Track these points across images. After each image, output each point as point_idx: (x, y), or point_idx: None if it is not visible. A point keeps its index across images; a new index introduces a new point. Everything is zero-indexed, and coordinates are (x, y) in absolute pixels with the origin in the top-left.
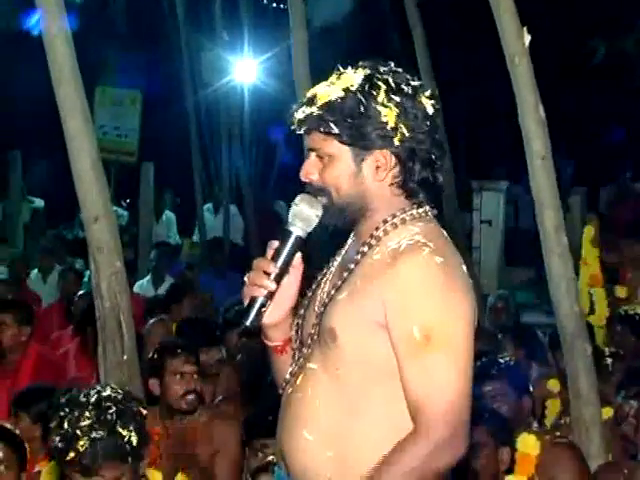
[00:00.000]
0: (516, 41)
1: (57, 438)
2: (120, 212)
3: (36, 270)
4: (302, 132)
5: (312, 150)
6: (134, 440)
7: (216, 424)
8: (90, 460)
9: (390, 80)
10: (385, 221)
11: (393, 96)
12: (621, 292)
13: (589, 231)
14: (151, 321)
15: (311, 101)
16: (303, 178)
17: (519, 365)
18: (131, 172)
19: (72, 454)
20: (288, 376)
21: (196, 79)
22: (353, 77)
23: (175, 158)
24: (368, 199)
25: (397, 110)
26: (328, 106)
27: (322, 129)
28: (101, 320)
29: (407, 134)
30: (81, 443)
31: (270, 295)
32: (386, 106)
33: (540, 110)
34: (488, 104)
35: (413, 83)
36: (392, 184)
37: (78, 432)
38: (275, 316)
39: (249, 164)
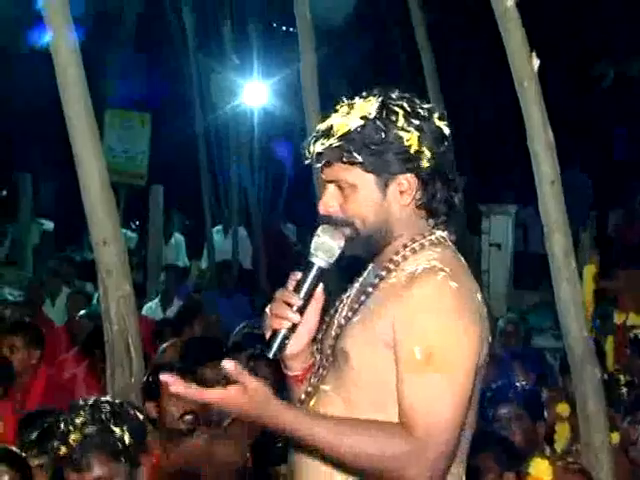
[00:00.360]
0: (525, 65)
1: (54, 440)
2: (129, 234)
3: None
4: (320, 165)
5: (330, 182)
6: (127, 439)
7: (217, 444)
8: (80, 453)
9: (405, 105)
10: (405, 246)
11: (412, 120)
12: (620, 318)
13: (590, 270)
14: (163, 345)
15: (328, 132)
16: (323, 211)
17: (535, 390)
18: (140, 194)
19: (64, 449)
20: (303, 396)
21: (205, 101)
22: (368, 105)
23: (184, 180)
24: (393, 225)
25: (418, 133)
26: (348, 136)
27: (344, 159)
28: (110, 343)
29: (429, 156)
30: (73, 437)
31: (293, 327)
32: (407, 130)
33: (549, 133)
34: (498, 127)
35: (426, 106)
36: (416, 207)
37: (71, 428)
38: (296, 347)
39: (258, 187)
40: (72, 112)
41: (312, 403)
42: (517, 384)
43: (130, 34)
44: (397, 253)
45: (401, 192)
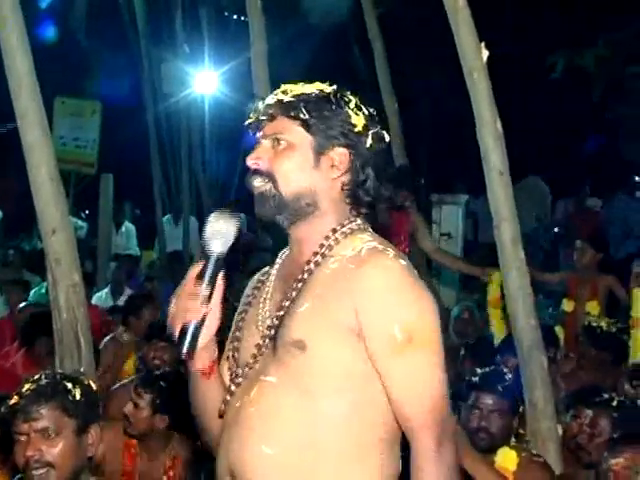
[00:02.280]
0: (474, 56)
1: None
2: (79, 224)
3: None
4: (264, 119)
5: (266, 137)
6: (77, 394)
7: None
8: (31, 401)
9: (354, 98)
10: (334, 230)
11: (362, 110)
12: (568, 306)
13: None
14: (105, 339)
15: (283, 92)
16: (250, 162)
17: (517, 384)
18: (90, 183)
19: (16, 398)
20: (233, 387)
21: (157, 90)
22: (324, 86)
23: (135, 169)
24: (319, 196)
25: (364, 120)
26: (301, 96)
27: (292, 113)
28: (58, 333)
29: (370, 143)
30: (25, 387)
31: (202, 319)
32: (356, 114)
33: (498, 125)
34: (450, 118)
35: (372, 111)
36: (342, 189)
37: (25, 384)
38: (204, 339)
39: (209, 175)
40: (21, 102)
41: (252, 395)
42: (505, 375)
43: (81, 22)
44: (327, 237)
45: (332, 165)
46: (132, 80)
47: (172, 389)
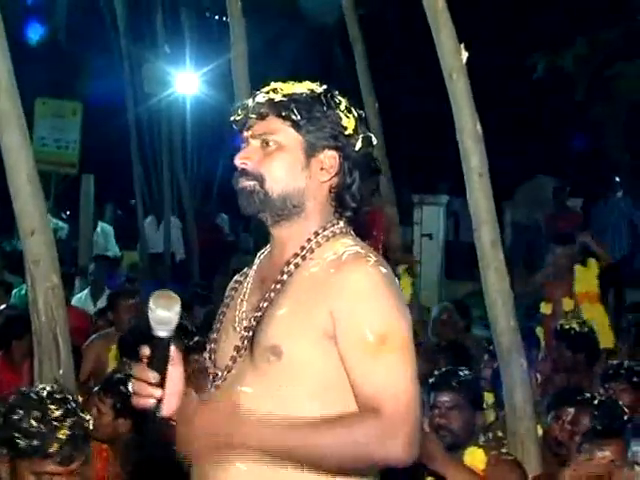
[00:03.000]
0: (453, 57)
1: (24, 439)
2: (60, 225)
3: None
4: (253, 117)
5: (256, 137)
6: (90, 423)
7: None
8: (72, 447)
9: (344, 100)
10: (317, 233)
11: (352, 111)
12: (546, 309)
13: None
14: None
15: (272, 90)
16: (238, 162)
17: (477, 380)
18: (71, 184)
19: (55, 445)
20: (213, 390)
21: (137, 91)
22: (314, 85)
23: (116, 170)
24: (305, 198)
25: (355, 122)
26: (293, 96)
27: (283, 113)
28: (37, 334)
29: (359, 146)
30: (62, 432)
31: (159, 399)
32: (347, 115)
33: (477, 126)
34: (431, 119)
35: (360, 112)
36: (330, 192)
37: (55, 423)
38: (173, 405)
39: (190, 177)
40: None
41: None
42: (461, 372)
43: (61, 22)
44: (309, 240)
45: (322, 168)
46: (113, 81)
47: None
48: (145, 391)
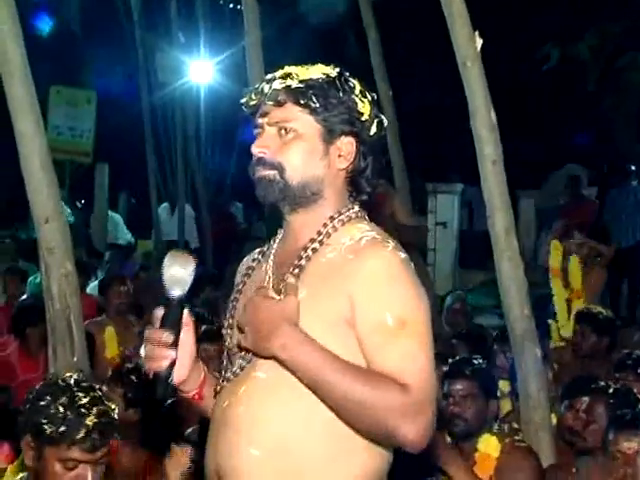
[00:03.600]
0: (468, 45)
1: (51, 425)
2: (68, 212)
3: None
4: (270, 103)
5: (272, 125)
6: (115, 413)
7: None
8: (99, 434)
9: (357, 84)
10: (332, 218)
11: (366, 95)
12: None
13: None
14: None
15: (288, 75)
16: (256, 151)
17: (490, 368)
18: (86, 172)
19: (82, 431)
20: (225, 382)
21: (152, 80)
22: (328, 68)
23: (130, 159)
24: (324, 185)
25: (370, 107)
26: (309, 82)
27: (301, 101)
28: (51, 322)
29: (374, 130)
30: (89, 419)
31: (172, 362)
32: (362, 100)
33: (491, 114)
34: (445, 107)
35: (373, 94)
36: (346, 177)
37: (82, 410)
38: (182, 374)
39: (204, 165)
40: (13, 92)
41: (240, 393)
42: (474, 361)
43: (75, 11)
44: (325, 225)
45: (340, 155)
46: (127, 69)
47: (142, 382)
48: (160, 352)
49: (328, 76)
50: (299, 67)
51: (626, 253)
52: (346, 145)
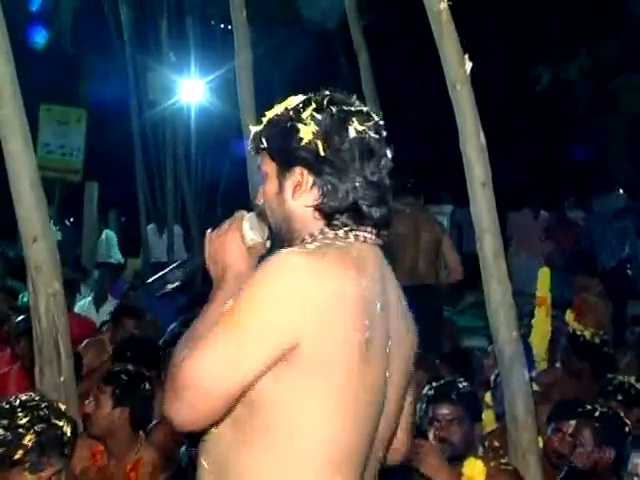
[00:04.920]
0: (457, 68)
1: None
2: (63, 231)
3: None
4: (253, 154)
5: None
6: (68, 431)
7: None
8: (39, 452)
9: (323, 100)
10: (303, 240)
11: (317, 114)
12: (570, 317)
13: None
14: (85, 341)
15: (261, 120)
16: (257, 201)
17: (475, 392)
18: (75, 190)
19: (20, 452)
20: None
21: (142, 98)
22: (297, 98)
23: (120, 177)
24: (291, 221)
25: (316, 127)
26: (267, 123)
27: (259, 145)
28: (38, 341)
29: (322, 153)
30: (27, 438)
31: None
32: (305, 123)
33: (481, 137)
34: (435, 128)
35: (348, 107)
36: (312, 206)
37: (20, 430)
38: None
39: (194, 184)
40: (2, 112)
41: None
42: (460, 385)
43: (66, 29)
44: None
45: (295, 187)
46: (118, 88)
47: (132, 382)
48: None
49: (285, 109)
50: (276, 105)
51: (609, 275)
52: (297, 176)
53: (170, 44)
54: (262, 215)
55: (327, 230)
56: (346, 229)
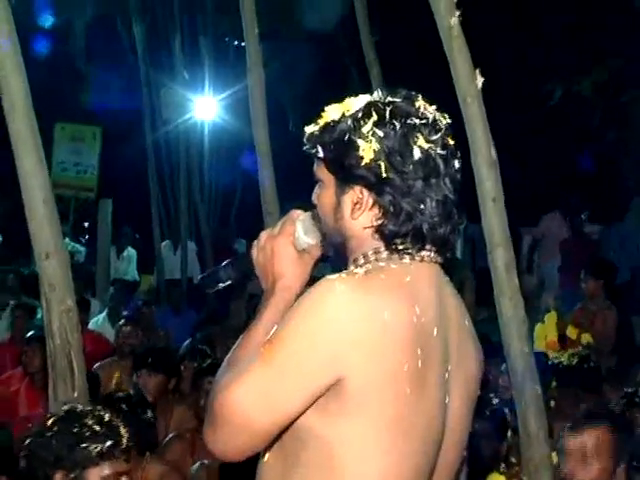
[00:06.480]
0: (468, 83)
1: (92, 446)
2: (77, 248)
3: None
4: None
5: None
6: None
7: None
8: (131, 443)
9: (387, 111)
10: (355, 260)
11: (379, 129)
12: (572, 333)
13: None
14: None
15: (317, 118)
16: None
17: (503, 410)
18: (89, 208)
19: (123, 442)
20: None
21: (155, 116)
22: (357, 101)
23: (134, 194)
24: (347, 239)
25: (378, 145)
26: (324, 127)
27: (315, 151)
28: (52, 358)
29: (384, 175)
30: (122, 430)
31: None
32: (366, 139)
33: (492, 152)
34: None
35: (412, 120)
36: (371, 227)
37: (112, 424)
38: None
39: (207, 201)
40: (16, 129)
41: None
42: (493, 401)
43: (80, 47)
44: None
45: (354, 205)
46: (131, 105)
47: (131, 411)
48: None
49: (343, 115)
50: (333, 105)
51: (621, 288)
52: (356, 194)
53: (184, 62)
54: (318, 217)
55: (382, 250)
56: (403, 251)
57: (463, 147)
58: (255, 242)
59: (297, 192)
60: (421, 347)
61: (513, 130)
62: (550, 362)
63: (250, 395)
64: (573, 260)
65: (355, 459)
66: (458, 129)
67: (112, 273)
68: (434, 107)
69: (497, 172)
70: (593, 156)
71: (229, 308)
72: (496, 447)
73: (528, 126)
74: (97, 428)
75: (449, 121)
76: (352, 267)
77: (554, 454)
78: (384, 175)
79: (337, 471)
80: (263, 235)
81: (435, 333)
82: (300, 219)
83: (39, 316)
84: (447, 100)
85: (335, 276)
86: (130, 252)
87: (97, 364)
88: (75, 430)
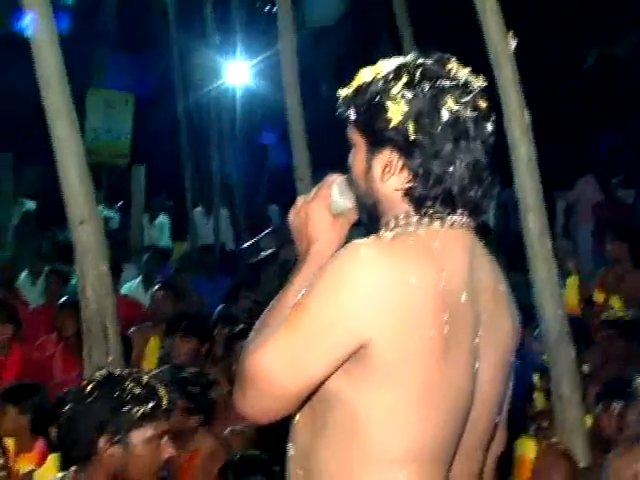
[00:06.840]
0: (501, 44)
1: (139, 406)
2: (110, 214)
3: (25, 272)
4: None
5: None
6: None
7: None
8: (171, 402)
9: (417, 73)
10: (387, 223)
11: (408, 91)
12: (599, 297)
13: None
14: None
15: (351, 81)
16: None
17: (528, 371)
18: (123, 175)
19: (164, 401)
20: None
21: (187, 81)
22: (389, 63)
23: (166, 161)
24: (378, 202)
25: (405, 108)
26: (356, 90)
27: (348, 114)
28: (86, 322)
29: (412, 137)
30: (161, 391)
31: None
32: (395, 101)
33: (525, 115)
34: None
35: (442, 82)
36: (400, 190)
37: (151, 384)
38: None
39: (240, 167)
40: (49, 95)
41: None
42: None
43: (112, 15)
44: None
45: (383, 169)
46: (163, 71)
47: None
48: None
49: (375, 77)
50: (363, 70)
51: None
52: (385, 158)
53: (215, 27)
54: (352, 181)
55: (412, 214)
56: (433, 214)
57: (496, 111)
58: (294, 207)
59: (329, 157)
60: (449, 312)
61: (547, 94)
62: (606, 318)
63: (275, 360)
64: (606, 224)
65: (380, 428)
66: (491, 93)
67: (145, 240)
68: (467, 69)
69: (530, 135)
70: (628, 121)
71: (261, 274)
72: (524, 411)
73: (562, 90)
74: (137, 390)
75: (483, 84)
76: (382, 231)
77: (587, 416)
78: (412, 137)
79: (360, 434)
80: (300, 200)
81: (463, 299)
82: (336, 182)
83: (73, 282)
84: (480, 65)
85: (361, 240)
86: (162, 220)
87: (132, 329)
88: (116, 394)
